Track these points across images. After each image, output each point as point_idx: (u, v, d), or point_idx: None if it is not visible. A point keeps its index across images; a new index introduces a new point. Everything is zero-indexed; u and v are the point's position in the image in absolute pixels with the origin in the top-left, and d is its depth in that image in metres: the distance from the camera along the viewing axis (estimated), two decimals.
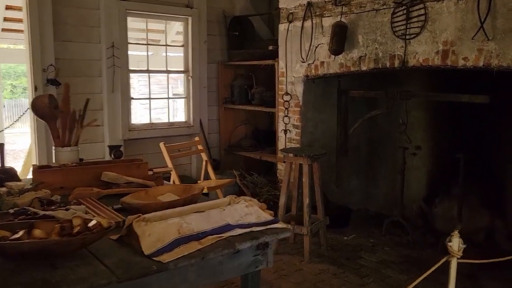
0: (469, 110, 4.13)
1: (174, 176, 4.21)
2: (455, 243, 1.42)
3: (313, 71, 4.41)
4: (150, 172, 2.64)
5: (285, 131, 4.75)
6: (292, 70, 4.66)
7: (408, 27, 3.48)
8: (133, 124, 5.09)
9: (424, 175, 4.66)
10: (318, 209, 3.95)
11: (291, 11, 4.55)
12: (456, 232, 1.43)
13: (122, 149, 3.05)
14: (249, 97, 5.45)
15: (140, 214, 1.69)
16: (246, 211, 1.93)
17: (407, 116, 3.99)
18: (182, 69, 5.53)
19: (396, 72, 4.63)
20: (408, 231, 4.18)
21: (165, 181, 2.76)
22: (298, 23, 4.45)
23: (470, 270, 3.56)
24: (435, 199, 4.57)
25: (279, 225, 1.95)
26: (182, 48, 5.48)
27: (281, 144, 4.88)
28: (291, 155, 3.74)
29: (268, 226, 1.92)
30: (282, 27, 4.68)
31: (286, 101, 4.70)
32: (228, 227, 1.83)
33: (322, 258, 3.81)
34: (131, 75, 5.13)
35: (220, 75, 5.78)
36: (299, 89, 4.61)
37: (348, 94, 4.65)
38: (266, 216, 1.99)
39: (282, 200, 3.85)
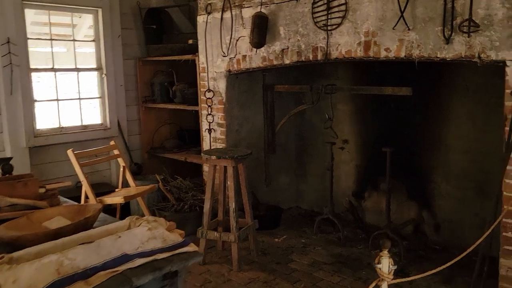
0: (396, 102, 4.09)
1: (86, 187, 3.78)
2: (385, 265, 1.22)
3: (235, 65, 4.16)
4: (43, 190, 2.25)
5: (209, 130, 4.46)
6: (213, 65, 4.37)
7: (329, 17, 3.32)
8: (39, 129, 4.54)
9: (353, 169, 4.59)
10: (246, 213, 3.72)
11: (209, 2, 4.25)
12: (385, 252, 1.23)
13: (12, 162, 2.59)
14: (170, 95, 5.08)
15: (3, 254, 1.33)
16: (149, 235, 1.63)
17: (333, 110, 3.85)
18: (95, 67, 5.05)
19: (322, 65, 4.51)
20: (339, 228, 4.07)
21: (63, 198, 2.37)
22: (217, 15, 4.17)
23: (399, 265, 3.51)
24: (364, 193, 4.53)
25: (190, 248, 1.67)
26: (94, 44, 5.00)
27: (206, 145, 4.60)
28: (213, 157, 3.46)
29: (176, 251, 1.63)
30: (201, 19, 4.38)
31: (209, 98, 4.41)
32: (125, 258, 1.52)
33: (252, 265, 3.58)
34: (46, 74, 4.62)
35: (138, 72, 5.36)
36: (221, 85, 4.34)
37: (274, 89, 4.45)
38: (175, 238, 1.70)
39: (206, 206, 3.57)
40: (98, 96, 5.10)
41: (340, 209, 4.47)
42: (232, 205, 3.47)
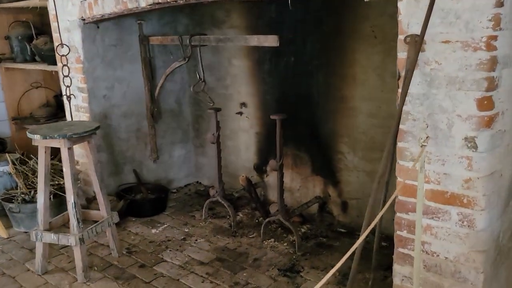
0: (296, 56, 3.31)
1: None
2: None
3: (87, 11, 3.20)
4: None
5: (68, 96, 3.53)
6: (64, 11, 3.39)
7: None
8: None
9: (253, 138, 3.82)
10: (100, 205, 2.90)
11: None
12: None
13: None
14: (29, 52, 4.07)
15: None
16: None
17: (203, 69, 3.02)
18: None
19: (215, 12, 3.63)
20: (230, 213, 3.35)
21: None
22: None
23: (291, 261, 2.84)
24: (267, 167, 3.79)
25: None
26: None
27: (68, 115, 3.68)
28: (38, 137, 2.57)
29: None
30: None
31: (63, 55, 3.45)
32: None
33: (107, 271, 2.80)
34: None
35: None
36: (77, 38, 3.38)
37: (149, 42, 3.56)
38: None
39: (40, 200, 2.71)
40: None
41: (238, 186, 3.75)
42: (71, 199, 2.63)
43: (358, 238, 3.02)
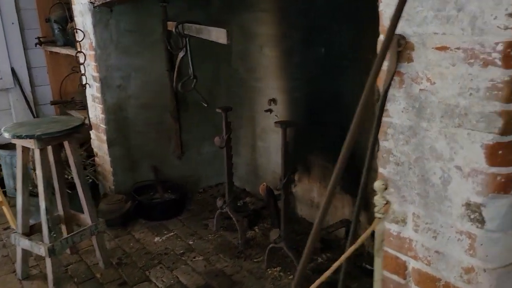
0: (327, 47, 2.70)
1: None
2: None
3: None
4: None
5: (84, 85, 3.32)
6: None
7: None
8: None
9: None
10: (84, 210, 2.64)
11: None
12: None
13: None
14: (62, 36, 3.96)
15: None
16: None
17: (192, 61, 2.54)
18: None
19: None
20: (238, 228, 2.90)
21: None
22: None
23: None
24: (294, 175, 3.25)
25: None
26: None
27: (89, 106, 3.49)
28: (7, 134, 2.34)
29: None
30: None
31: (78, 41, 3.22)
32: None
33: (84, 286, 2.54)
34: None
35: (37, 5, 4.24)
36: (88, 23, 3.12)
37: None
38: None
39: (19, 201, 2.51)
40: None
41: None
42: (42, 204, 2.39)
43: None
